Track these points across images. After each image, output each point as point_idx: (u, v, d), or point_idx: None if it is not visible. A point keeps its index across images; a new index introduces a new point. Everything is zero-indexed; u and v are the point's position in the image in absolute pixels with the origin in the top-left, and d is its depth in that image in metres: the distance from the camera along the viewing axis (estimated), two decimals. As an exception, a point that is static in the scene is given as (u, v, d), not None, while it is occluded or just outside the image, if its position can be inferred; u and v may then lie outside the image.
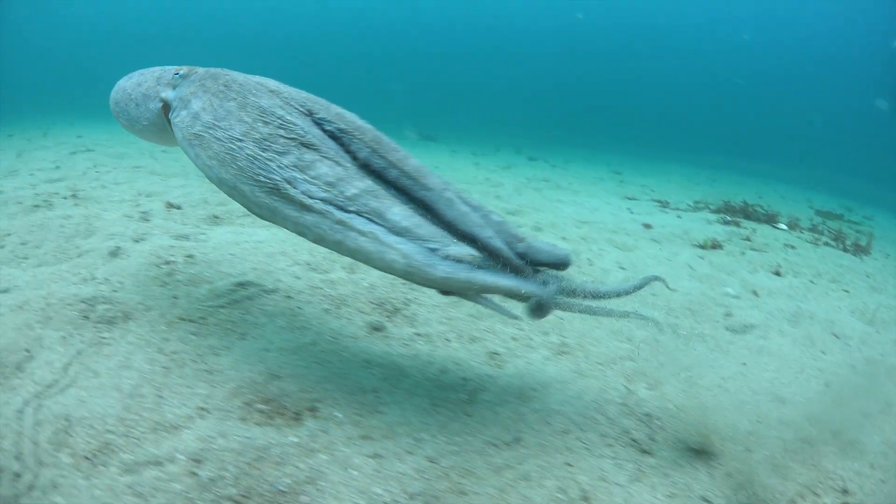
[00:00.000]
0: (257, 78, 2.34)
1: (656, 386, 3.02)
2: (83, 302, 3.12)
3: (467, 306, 3.66)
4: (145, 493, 1.88)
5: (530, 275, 2.12)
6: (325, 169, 1.98)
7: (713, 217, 8.46)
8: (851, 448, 2.65)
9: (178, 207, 5.37)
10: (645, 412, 2.76)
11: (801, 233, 8.10)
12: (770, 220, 8.51)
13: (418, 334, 3.26)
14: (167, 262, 3.79)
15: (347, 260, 4.16)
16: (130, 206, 5.39)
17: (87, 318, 2.99)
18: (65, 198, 5.60)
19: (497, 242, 2.03)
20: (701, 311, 4.23)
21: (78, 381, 2.45)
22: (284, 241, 4.48)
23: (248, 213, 2.13)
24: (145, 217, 4.92)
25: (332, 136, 2.16)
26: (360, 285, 3.78)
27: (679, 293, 4.51)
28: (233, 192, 2.10)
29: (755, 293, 4.87)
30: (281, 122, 2.09)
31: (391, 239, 1.86)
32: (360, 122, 2.22)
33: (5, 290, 3.28)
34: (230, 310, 3.22)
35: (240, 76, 2.34)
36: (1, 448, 2.02)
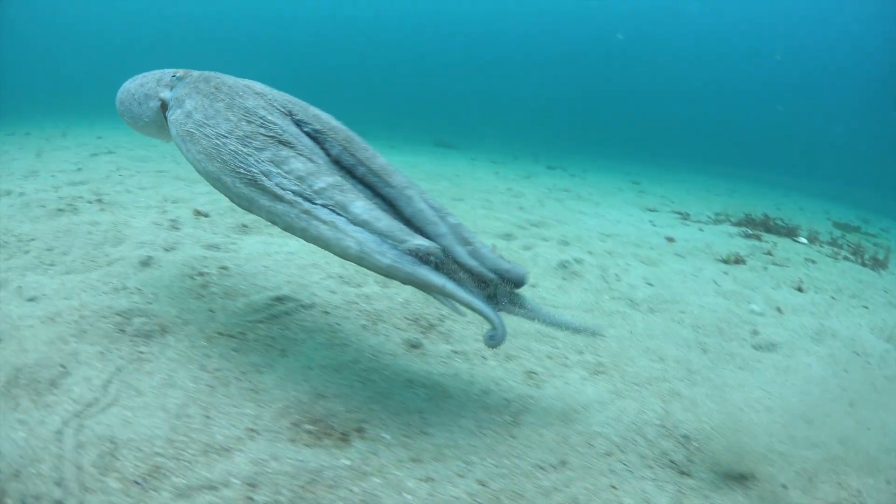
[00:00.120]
0: (246, 81, 2.53)
1: (691, 407, 2.99)
2: (119, 314, 3.10)
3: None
4: (201, 519, 1.87)
5: (482, 277, 2.24)
6: (297, 164, 2.16)
7: (734, 230, 8.42)
8: (870, 464, 2.65)
9: (206, 215, 5.37)
10: (682, 433, 2.74)
11: (821, 247, 8.05)
12: (790, 233, 8.46)
13: (455, 352, 3.25)
14: (201, 274, 3.78)
15: (379, 275, 4.16)
16: (157, 212, 5.39)
17: (123, 331, 2.96)
18: (90, 202, 5.60)
19: (446, 240, 2.19)
20: (728, 329, 4.20)
21: (120, 400, 2.41)
22: (315, 252, 4.47)
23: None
24: (175, 225, 4.91)
25: (309, 135, 2.37)
26: (394, 300, 3.77)
27: (706, 310, 4.49)
28: (217, 183, 2.26)
29: (779, 310, 4.83)
30: (262, 121, 2.28)
31: (350, 228, 2.02)
32: (335, 123, 2.42)
33: (32, 299, 3.26)
34: (269, 325, 3.21)
35: (230, 79, 2.53)
36: (39, 473, 1.96)
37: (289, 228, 2.12)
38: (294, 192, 2.10)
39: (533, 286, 4.48)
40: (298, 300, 3.56)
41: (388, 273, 1.99)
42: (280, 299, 3.53)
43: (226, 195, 2.29)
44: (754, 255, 6.77)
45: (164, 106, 2.69)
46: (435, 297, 2.32)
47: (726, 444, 2.59)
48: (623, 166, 18.25)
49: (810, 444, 2.72)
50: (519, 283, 2.30)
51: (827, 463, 2.59)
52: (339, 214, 2.06)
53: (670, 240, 7.08)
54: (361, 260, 2.00)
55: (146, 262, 3.89)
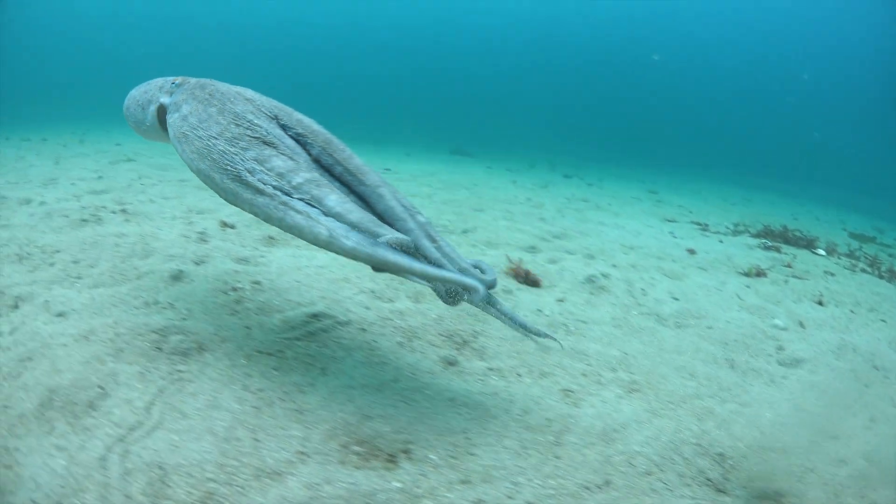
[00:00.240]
0: (238, 88, 2.73)
1: (724, 425, 3.00)
2: (155, 332, 3.07)
3: (533, 342, 3.66)
4: (262, 545, 1.87)
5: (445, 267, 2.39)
6: (278, 162, 2.35)
7: (754, 242, 8.41)
8: (893, 479, 2.68)
9: (233, 227, 5.39)
10: (718, 451, 2.75)
11: (839, 258, 8.03)
12: (809, 245, 8.45)
13: (490, 369, 3.25)
14: (234, 289, 3.79)
15: (412, 288, 4.16)
16: (183, 223, 5.41)
17: (160, 349, 2.93)
18: (113, 212, 5.61)
19: (414, 234, 2.37)
20: (754, 345, 4.19)
21: (165, 423, 2.37)
22: (345, 265, 4.48)
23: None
24: (203, 238, 4.92)
25: (293, 137, 2.57)
26: (427, 316, 3.77)
27: (732, 325, 4.48)
28: (207, 179, 2.43)
29: (801, 325, 4.82)
30: (249, 124, 2.48)
31: (322, 218, 2.18)
32: (316, 127, 2.62)
33: (61, 315, 3.24)
34: (307, 342, 3.21)
35: (223, 86, 2.73)
36: (83, 502, 1.93)
37: (268, 219, 2.27)
38: (274, 187, 2.27)
39: (561, 301, 4.48)
40: (334, 317, 3.56)
41: (352, 254, 2.12)
42: (316, 316, 3.53)
43: (214, 190, 2.45)
44: (775, 267, 6.76)
45: (162, 110, 2.87)
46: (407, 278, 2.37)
47: (759, 462, 2.64)
48: (639, 174, 18.29)
49: (837, 460, 2.77)
50: (490, 286, 2.47)
51: (852, 479, 2.62)
52: (313, 206, 2.24)
53: (691, 252, 7.07)
54: (330, 244, 2.14)
55: (177, 277, 3.88)
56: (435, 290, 2.34)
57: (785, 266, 6.93)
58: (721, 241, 8.31)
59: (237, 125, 2.48)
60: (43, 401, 2.43)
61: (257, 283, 3.94)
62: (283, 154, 2.41)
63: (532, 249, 6.08)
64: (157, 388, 2.61)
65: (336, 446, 2.37)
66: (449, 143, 20.90)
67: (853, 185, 23.90)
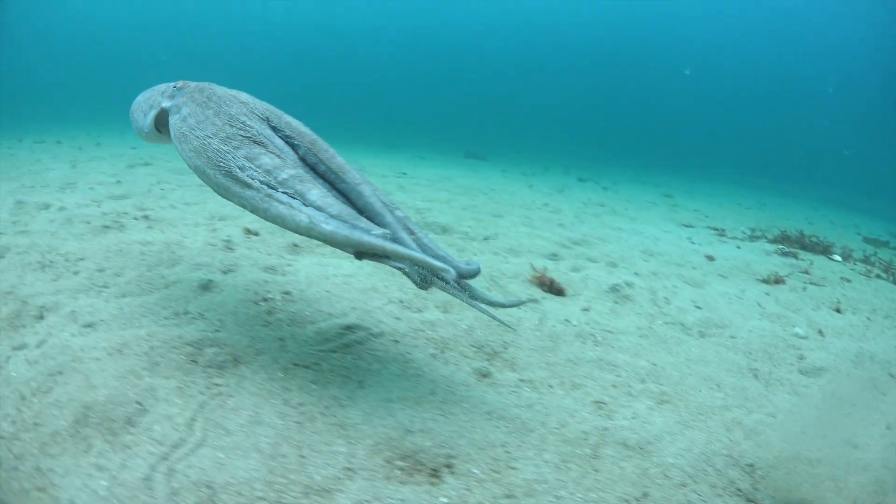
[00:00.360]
0: (234, 92, 2.92)
1: (752, 435, 3.03)
2: (189, 345, 3.06)
3: (563, 352, 3.68)
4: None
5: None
6: (266, 160, 2.53)
7: (771, 247, 8.41)
8: None
9: (256, 234, 5.41)
10: (747, 462, 2.78)
11: (854, 264, 8.03)
12: (825, 251, 8.45)
13: (522, 380, 3.27)
14: (265, 300, 3.81)
15: (440, 298, 4.19)
16: (207, 230, 5.43)
17: (195, 362, 2.93)
18: (135, 219, 5.63)
19: (392, 227, 2.47)
20: (776, 354, 4.21)
21: (208, 440, 2.35)
22: (371, 274, 4.51)
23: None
24: (229, 246, 4.95)
25: (283, 138, 2.74)
26: (458, 327, 3.79)
27: (755, 334, 4.50)
28: (202, 174, 2.63)
29: (821, 333, 4.83)
30: (242, 125, 2.66)
31: (304, 208, 2.36)
32: (303, 129, 2.78)
33: (90, 326, 3.23)
34: (342, 355, 3.22)
35: (220, 90, 2.91)
36: None
37: (255, 210, 2.45)
38: (261, 182, 2.45)
39: (586, 310, 4.50)
40: (367, 328, 3.58)
41: (331, 237, 2.27)
42: (350, 328, 3.55)
43: (208, 184, 2.65)
44: (793, 274, 6.76)
45: (164, 113, 3.05)
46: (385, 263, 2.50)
47: (786, 472, 2.69)
48: (653, 177, 18.32)
49: (858, 468, 2.79)
50: (467, 275, 2.56)
51: (872, 485, 2.65)
52: (295, 199, 2.41)
53: (710, 258, 7.07)
54: (310, 230, 2.30)
55: (206, 286, 3.89)
56: (409, 276, 2.44)
57: (802, 272, 6.94)
58: (738, 247, 8.32)
59: (231, 126, 2.66)
60: (78, 417, 2.39)
61: (287, 293, 3.97)
62: (271, 153, 2.59)
63: (554, 257, 6.09)
64: (198, 403, 2.60)
65: (381, 462, 2.38)
66: (462, 146, 20.98)
67: (866, 188, 23.83)
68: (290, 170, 2.51)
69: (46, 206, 5.84)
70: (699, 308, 4.96)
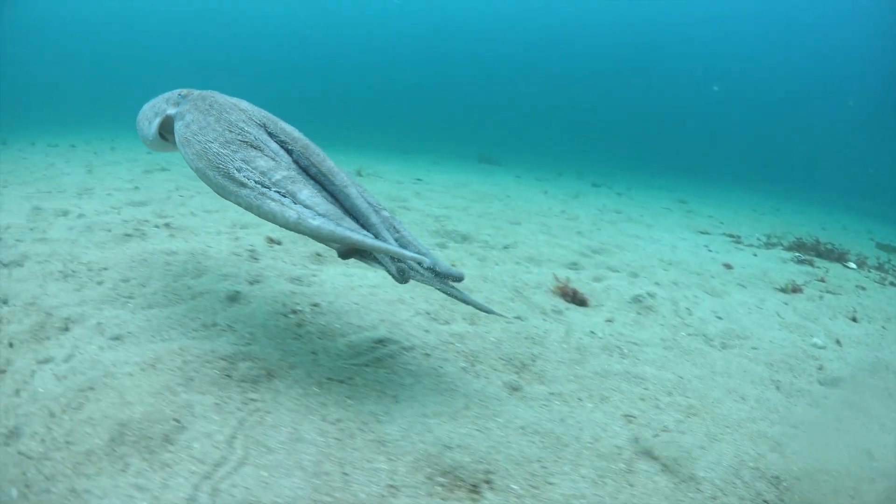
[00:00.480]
0: (234, 100, 3.10)
1: (777, 447, 3.05)
2: (223, 359, 3.06)
3: (590, 364, 3.70)
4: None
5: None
6: (262, 162, 2.71)
7: (787, 255, 8.42)
8: None
9: (279, 243, 5.45)
10: (773, 474, 2.79)
11: (869, 271, 8.03)
12: (840, 258, 8.46)
13: (552, 394, 3.29)
14: (294, 311, 3.84)
15: (466, 310, 4.21)
16: (229, 238, 5.46)
17: (229, 376, 2.93)
18: (157, 227, 5.65)
19: (377, 228, 2.64)
20: (796, 365, 4.23)
21: (250, 458, 2.34)
22: (397, 285, 4.53)
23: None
24: (253, 255, 4.98)
25: (278, 143, 2.90)
26: (486, 339, 3.82)
27: (776, 345, 4.52)
28: (203, 176, 2.81)
29: (839, 342, 4.85)
30: (240, 130, 2.85)
31: (293, 205, 2.54)
32: (296, 134, 2.94)
33: (117, 338, 3.23)
34: (375, 369, 3.25)
35: (221, 98, 3.10)
36: None
37: (249, 207, 2.61)
38: (255, 182, 2.62)
39: (610, 321, 4.52)
40: (398, 342, 3.60)
41: (317, 231, 2.45)
42: (381, 341, 3.57)
43: (208, 184, 2.83)
44: (810, 283, 6.77)
45: (169, 120, 3.26)
46: (367, 263, 2.76)
47: (810, 484, 2.73)
48: (667, 183, 18.36)
49: (874, 477, 2.83)
50: (453, 277, 2.79)
51: (887, 494, 2.69)
52: (286, 197, 2.58)
53: (728, 267, 7.09)
54: (298, 225, 2.47)
55: (234, 298, 3.90)
56: (387, 270, 2.63)
57: (819, 280, 6.95)
58: (755, 255, 8.33)
59: (230, 132, 2.84)
60: (113, 435, 2.36)
61: (316, 304, 3.99)
62: (266, 156, 2.77)
63: (574, 266, 6.12)
64: (237, 419, 2.60)
65: (422, 478, 2.40)
66: (475, 151, 21.04)
67: (878, 194, 23.78)
68: (284, 171, 2.70)
69: (65, 213, 5.86)
70: (720, 318, 4.98)
